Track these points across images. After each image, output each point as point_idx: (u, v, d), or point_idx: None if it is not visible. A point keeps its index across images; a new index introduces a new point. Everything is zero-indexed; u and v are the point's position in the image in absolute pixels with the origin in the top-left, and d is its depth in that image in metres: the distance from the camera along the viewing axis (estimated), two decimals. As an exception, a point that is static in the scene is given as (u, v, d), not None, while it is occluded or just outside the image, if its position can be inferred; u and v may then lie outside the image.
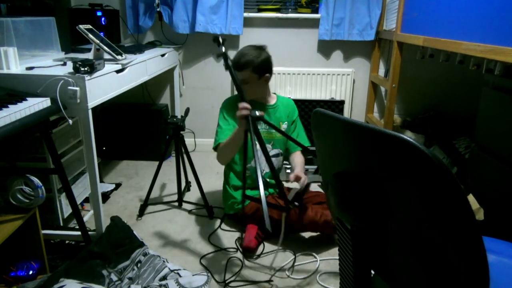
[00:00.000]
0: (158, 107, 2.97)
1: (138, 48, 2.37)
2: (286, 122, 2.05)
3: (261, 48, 1.92)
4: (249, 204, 1.97)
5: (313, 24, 2.87)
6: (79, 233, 1.69)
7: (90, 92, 1.54)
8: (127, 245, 1.66)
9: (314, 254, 1.81)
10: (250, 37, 2.91)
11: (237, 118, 1.70)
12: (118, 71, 1.82)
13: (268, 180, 2.08)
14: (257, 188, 2.00)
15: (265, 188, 2.11)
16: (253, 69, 1.86)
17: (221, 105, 2.02)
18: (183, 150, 2.13)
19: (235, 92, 2.97)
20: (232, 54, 2.94)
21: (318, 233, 1.94)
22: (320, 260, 1.77)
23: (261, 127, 1.99)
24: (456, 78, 2.90)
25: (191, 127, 3.17)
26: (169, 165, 2.83)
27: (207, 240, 1.92)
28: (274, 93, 2.11)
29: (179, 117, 2.07)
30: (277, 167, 2.08)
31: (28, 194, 1.50)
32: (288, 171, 2.57)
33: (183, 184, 2.35)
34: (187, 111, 2.16)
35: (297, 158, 2.04)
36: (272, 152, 2.04)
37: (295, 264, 1.73)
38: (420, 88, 2.97)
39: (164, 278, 1.54)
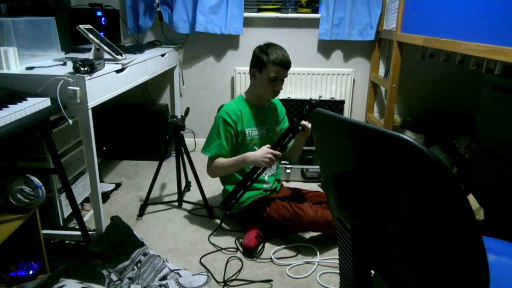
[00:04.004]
0: (158, 107, 2.97)
1: (138, 48, 2.38)
2: (279, 124, 2.09)
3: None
4: (248, 204, 1.97)
5: (313, 24, 2.87)
6: (79, 233, 1.69)
7: (90, 92, 1.54)
8: (127, 245, 1.66)
9: (314, 254, 1.81)
10: (250, 37, 2.91)
11: (259, 160, 1.80)
12: (118, 71, 1.82)
13: (269, 182, 2.08)
14: (257, 188, 2.02)
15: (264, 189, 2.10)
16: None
17: (220, 111, 1.94)
18: (183, 150, 2.13)
19: (235, 93, 2.97)
20: (233, 53, 2.96)
21: (318, 233, 1.94)
22: (320, 260, 1.77)
23: (260, 132, 2.00)
24: (456, 78, 2.90)
25: (191, 127, 3.17)
26: (169, 165, 2.83)
27: (207, 240, 1.92)
28: None
29: (179, 117, 2.07)
30: (273, 171, 2.10)
31: (28, 194, 1.50)
32: (288, 171, 2.57)
33: (183, 184, 2.35)
34: (187, 111, 2.16)
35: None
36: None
37: (295, 264, 1.73)
38: (420, 88, 2.97)
39: (164, 278, 1.55)
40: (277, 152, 1.81)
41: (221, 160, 1.92)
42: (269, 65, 1.83)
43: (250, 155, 1.85)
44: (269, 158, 1.79)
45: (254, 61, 1.90)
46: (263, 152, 1.82)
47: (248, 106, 1.98)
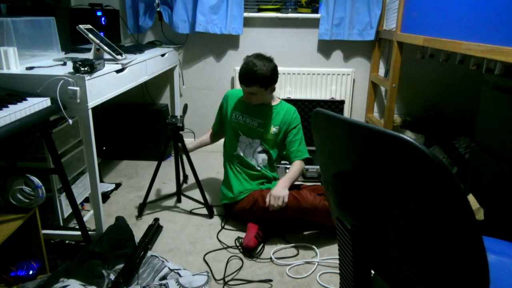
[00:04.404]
0: (158, 107, 2.97)
1: (138, 48, 2.38)
2: (277, 127, 2.06)
3: (268, 60, 1.94)
4: (246, 198, 1.98)
5: (313, 24, 2.87)
6: (79, 233, 1.69)
7: (90, 92, 1.55)
8: (127, 248, 1.66)
9: (314, 254, 1.81)
10: (250, 37, 2.91)
11: None
12: (118, 71, 1.82)
13: (264, 172, 2.09)
14: (243, 171, 2.05)
15: (260, 182, 2.10)
16: (260, 85, 1.92)
17: (227, 92, 2.19)
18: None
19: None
20: (233, 53, 2.96)
21: (317, 229, 1.93)
22: (320, 260, 1.77)
23: (248, 121, 2.05)
24: (456, 78, 2.90)
25: (191, 127, 3.17)
26: (169, 165, 2.84)
27: (207, 239, 1.92)
28: (279, 98, 2.15)
29: (178, 117, 2.07)
30: (262, 163, 2.10)
31: (28, 194, 1.50)
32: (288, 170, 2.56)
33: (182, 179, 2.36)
34: (185, 108, 2.16)
35: (291, 167, 2.05)
36: (259, 148, 2.07)
37: (295, 264, 1.73)
38: (420, 88, 2.97)
39: (164, 277, 1.54)
40: None
41: (203, 135, 2.33)
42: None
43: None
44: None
45: None
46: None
47: None
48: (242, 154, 2.08)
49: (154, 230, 1.90)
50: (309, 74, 2.92)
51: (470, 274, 0.55)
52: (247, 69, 1.91)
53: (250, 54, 1.98)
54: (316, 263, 1.75)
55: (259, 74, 1.88)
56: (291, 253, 1.82)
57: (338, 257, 0.86)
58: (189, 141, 3.13)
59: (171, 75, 2.95)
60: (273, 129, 2.05)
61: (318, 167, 2.55)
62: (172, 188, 2.46)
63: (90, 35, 1.67)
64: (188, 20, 2.81)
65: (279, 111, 2.07)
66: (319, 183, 2.55)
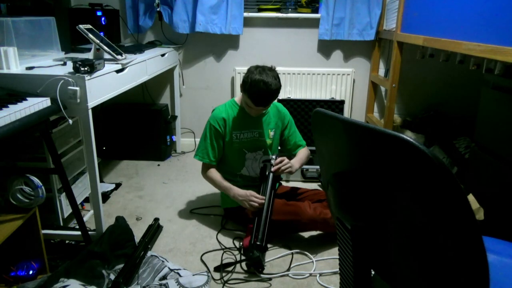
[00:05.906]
0: (158, 107, 2.97)
1: (138, 48, 2.38)
2: (273, 129, 2.06)
3: (270, 69, 1.84)
4: None
5: (313, 24, 2.87)
6: (79, 233, 1.69)
7: (90, 92, 1.54)
8: (127, 248, 1.66)
9: (314, 254, 1.81)
10: (250, 37, 2.91)
11: (240, 200, 1.88)
12: (118, 71, 1.82)
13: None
14: (249, 186, 2.03)
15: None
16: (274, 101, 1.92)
17: (211, 116, 1.99)
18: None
19: (235, 93, 2.98)
20: (233, 53, 2.96)
21: (317, 232, 1.94)
22: (320, 260, 1.77)
23: (249, 135, 2.00)
24: (456, 78, 2.90)
25: (191, 127, 3.17)
26: (169, 165, 2.84)
27: (207, 239, 1.91)
28: None
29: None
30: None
31: (28, 194, 1.50)
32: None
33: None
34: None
35: (300, 153, 2.09)
36: (263, 158, 2.06)
37: (295, 264, 1.73)
38: (420, 88, 2.97)
39: (164, 277, 1.54)
40: (259, 200, 1.82)
41: (212, 174, 1.99)
42: (247, 94, 1.83)
43: (235, 190, 1.91)
44: (249, 205, 1.84)
45: (242, 80, 1.86)
46: (246, 195, 1.86)
47: (239, 110, 1.99)
48: (247, 173, 2.05)
49: (154, 230, 1.90)
50: (309, 74, 2.92)
51: (470, 274, 0.55)
52: (265, 90, 1.77)
53: (251, 71, 1.82)
54: (316, 263, 1.74)
55: (276, 90, 1.81)
56: (291, 253, 1.82)
57: (338, 257, 0.86)
58: (189, 141, 3.14)
59: (171, 75, 2.95)
60: (271, 134, 2.05)
61: (318, 167, 2.55)
62: (172, 188, 2.46)
63: (90, 35, 1.67)
64: (188, 20, 2.81)
65: (269, 113, 2.05)
66: (319, 183, 2.55)
